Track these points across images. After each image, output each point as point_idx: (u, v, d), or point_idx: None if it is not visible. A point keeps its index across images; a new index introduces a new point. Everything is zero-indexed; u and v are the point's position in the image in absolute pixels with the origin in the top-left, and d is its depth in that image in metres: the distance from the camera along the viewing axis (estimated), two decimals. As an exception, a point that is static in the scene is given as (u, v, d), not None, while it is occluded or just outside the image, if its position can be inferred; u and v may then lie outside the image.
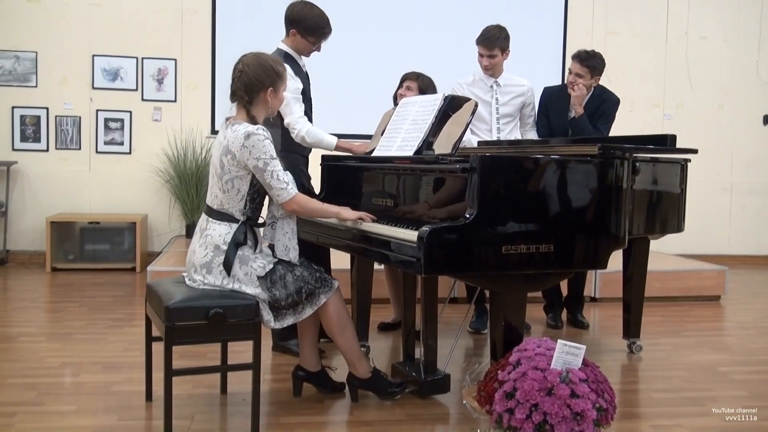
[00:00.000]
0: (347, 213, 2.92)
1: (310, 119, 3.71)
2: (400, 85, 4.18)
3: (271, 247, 2.88)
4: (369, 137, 3.68)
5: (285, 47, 3.66)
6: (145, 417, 2.83)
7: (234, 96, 2.81)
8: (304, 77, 3.69)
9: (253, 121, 2.78)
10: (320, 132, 3.59)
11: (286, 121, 3.56)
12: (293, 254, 2.85)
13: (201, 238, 2.77)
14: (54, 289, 5.38)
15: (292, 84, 3.50)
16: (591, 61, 4.20)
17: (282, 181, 2.71)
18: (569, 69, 4.30)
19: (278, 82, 2.83)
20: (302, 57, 3.71)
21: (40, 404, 2.92)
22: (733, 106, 7.47)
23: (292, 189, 2.74)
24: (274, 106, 2.86)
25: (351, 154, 3.67)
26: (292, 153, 3.63)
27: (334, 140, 3.62)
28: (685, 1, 7.30)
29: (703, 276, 5.43)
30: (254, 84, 2.77)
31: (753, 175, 7.54)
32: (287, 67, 3.50)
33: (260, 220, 2.87)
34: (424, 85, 4.10)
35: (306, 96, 3.69)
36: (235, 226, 2.75)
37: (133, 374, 3.28)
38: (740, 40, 7.42)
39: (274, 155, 2.71)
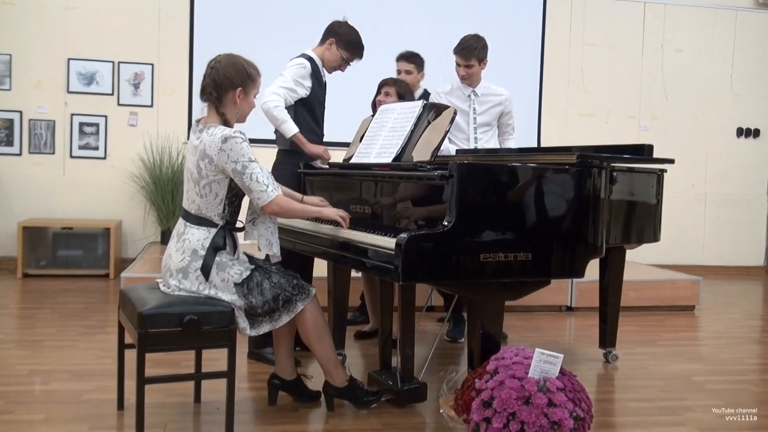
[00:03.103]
0: (327, 211, 2.92)
1: (322, 127, 3.83)
2: (378, 92, 4.16)
3: (250, 257, 2.85)
4: (347, 144, 3.67)
5: (312, 54, 3.77)
6: (116, 426, 2.78)
7: (203, 93, 2.79)
8: (320, 84, 3.77)
9: (225, 122, 2.75)
10: (287, 116, 3.59)
11: (266, 89, 3.55)
12: (276, 249, 2.85)
13: (178, 242, 2.73)
14: (25, 296, 5.29)
15: (303, 81, 3.64)
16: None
17: (262, 184, 2.68)
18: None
19: (249, 84, 2.79)
20: (323, 69, 3.81)
21: (9, 413, 2.86)
22: (707, 118, 7.56)
23: (272, 191, 2.70)
24: (242, 109, 2.81)
25: (323, 158, 3.68)
26: (297, 154, 3.68)
27: (296, 130, 3.59)
28: (661, 14, 7.40)
29: (678, 286, 5.48)
30: (223, 82, 2.73)
31: (727, 187, 7.64)
32: (307, 65, 3.64)
33: (238, 224, 2.85)
34: (402, 90, 4.09)
35: (320, 102, 3.79)
36: (213, 230, 2.72)
37: (105, 382, 3.22)
38: (714, 53, 7.52)
39: (253, 158, 2.68)
